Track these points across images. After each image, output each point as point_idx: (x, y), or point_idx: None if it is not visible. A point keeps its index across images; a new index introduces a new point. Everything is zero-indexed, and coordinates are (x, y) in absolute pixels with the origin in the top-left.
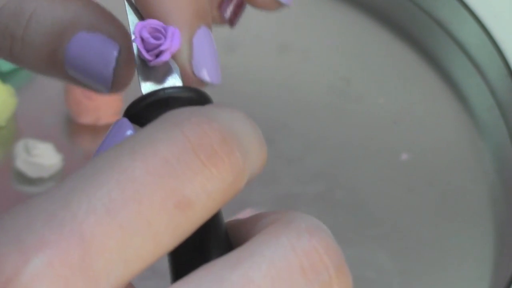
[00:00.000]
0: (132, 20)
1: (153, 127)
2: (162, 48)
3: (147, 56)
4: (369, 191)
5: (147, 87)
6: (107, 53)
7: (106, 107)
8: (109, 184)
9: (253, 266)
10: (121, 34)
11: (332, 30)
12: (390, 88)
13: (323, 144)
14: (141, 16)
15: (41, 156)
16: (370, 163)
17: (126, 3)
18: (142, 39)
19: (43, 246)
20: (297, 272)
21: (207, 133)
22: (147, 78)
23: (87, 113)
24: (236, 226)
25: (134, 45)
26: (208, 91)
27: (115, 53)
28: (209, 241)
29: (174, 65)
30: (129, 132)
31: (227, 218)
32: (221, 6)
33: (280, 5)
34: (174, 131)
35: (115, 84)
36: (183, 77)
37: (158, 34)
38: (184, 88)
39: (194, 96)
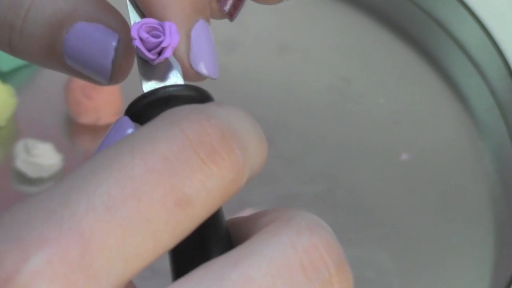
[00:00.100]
0: (133, 17)
1: (152, 125)
2: (163, 45)
3: (149, 55)
4: (369, 191)
5: (148, 86)
6: (106, 44)
7: (106, 107)
8: (108, 182)
9: (253, 264)
10: (120, 24)
11: (332, 30)
12: (390, 88)
13: (323, 144)
14: (142, 14)
15: (41, 156)
16: (370, 163)
17: (128, 1)
18: (141, 40)
19: (42, 244)
20: (297, 270)
21: (206, 130)
22: (148, 78)
23: (87, 113)
24: (237, 224)
25: (134, 47)
26: (207, 89)
27: (114, 44)
28: (210, 239)
29: (175, 63)
30: (129, 131)
31: (227, 218)
32: None
33: None
34: (173, 128)
35: (114, 74)
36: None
37: (156, 32)
38: (185, 86)
39: (195, 94)
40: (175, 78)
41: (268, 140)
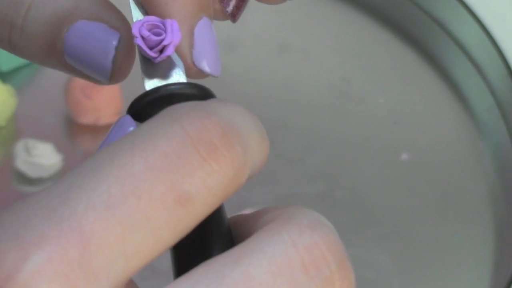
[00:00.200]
0: (136, 15)
1: (152, 122)
2: (164, 42)
3: (151, 53)
4: (369, 191)
5: (151, 84)
6: (106, 42)
7: (106, 107)
8: (108, 180)
9: (253, 262)
10: (121, 23)
11: (332, 30)
12: (390, 88)
13: (323, 144)
14: (145, 11)
15: (41, 156)
16: (370, 163)
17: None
18: (143, 38)
19: (42, 242)
20: (298, 268)
21: (207, 127)
22: (151, 76)
23: (87, 113)
24: (239, 222)
25: (136, 45)
26: None
27: (114, 42)
28: (211, 237)
29: (178, 61)
30: (131, 129)
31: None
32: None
33: None
34: (174, 125)
35: (114, 74)
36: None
37: (158, 29)
38: (187, 84)
39: (197, 92)
40: (177, 76)
41: (268, 140)
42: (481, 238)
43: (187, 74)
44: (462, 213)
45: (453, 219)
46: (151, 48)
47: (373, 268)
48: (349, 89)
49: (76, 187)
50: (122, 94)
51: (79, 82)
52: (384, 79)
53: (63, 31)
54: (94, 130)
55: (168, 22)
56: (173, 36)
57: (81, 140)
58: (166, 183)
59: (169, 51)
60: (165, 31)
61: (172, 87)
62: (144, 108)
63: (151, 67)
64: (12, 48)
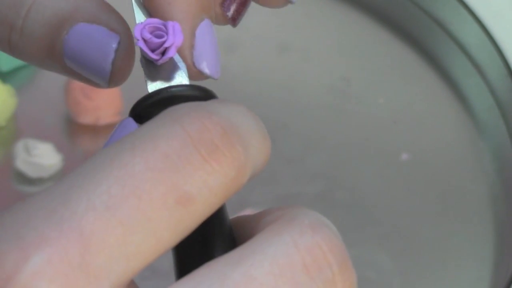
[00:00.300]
0: (138, 17)
1: (153, 123)
2: (166, 45)
3: (153, 56)
4: (369, 191)
5: (153, 87)
6: (106, 45)
7: (106, 107)
8: (109, 180)
9: (255, 263)
10: (120, 26)
11: (332, 30)
12: (390, 88)
13: (323, 144)
14: (147, 13)
15: (41, 156)
16: (370, 163)
17: (133, 1)
18: (145, 40)
19: (42, 243)
20: (299, 269)
21: (207, 127)
22: (153, 78)
23: (87, 113)
24: (241, 223)
25: (138, 48)
26: None
27: (114, 45)
28: (213, 237)
29: (180, 63)
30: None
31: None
32: (224, 3)
33: (287, 1)
34: (174, 126)
35: (113, 77)
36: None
37: (159, 32)
38: (189, 86)
39: (199, 94)
40: (180, 78)
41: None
42: (481, 238)
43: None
44: (462, 213)
45: (453, 219)
46: (153, 51)
47: (373, 268)
48: (349, 89)
49: (77, 188)
50: (122, 94)
51: (79, 82)
52: (384, 79)
53: (62, 33)
54: (94, 130)
55: (170, 24)
56: (175, 38)
57: (81, 140)
58: (166, 184)
59: (171, 53)
60: (167, 33)
61: (174, 89)
62: (146, 110)
63: (154, 69)
64: (12, 49)
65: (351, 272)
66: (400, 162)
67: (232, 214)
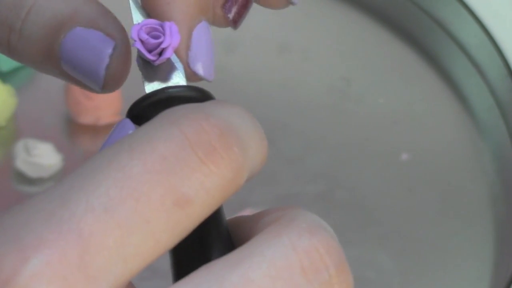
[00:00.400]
0: (136, 18)
1: (151, 125)
2: (163, 46)
3: (150, 56)
4: (369, 191)
5: (151, 87)
6: (101, 50)
7: (106, 107)
8: (107, 182)
9: (253, 266)
10: (117, 32)
11: (332, 30)
12: (390, 88)
13: (323, 144)
14: (145, 14)
15: (41, 156)
16: (370, 163)
17: (131, 2)
18: (142, 41)
19: (41, 245)
20: (297, 271)
21: (205, 129)
22: (151, 79)
23: (87, 113)
24: (238, 224)
25: (135, 48)
26: (208, 89)
27: (109, 50)
28: (210, 239)
29: (178, 64)
30: (130, 133)
31: (227, 218)
32: (226, 5)
33: (289, 2)
34: (172, 128)
35: (107, 82)
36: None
37: (156, 32)
38: (186, 87)
39: (196, 95)
40: (177, 79)
41: (268, 140)
42: (481, 238)
43: None
44: (462, 213)
45: (453, 219)
46: (150, 51)
47: (373, 268)
48: (349, 89)
49: (75, 190)
50: (122, 95)
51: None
52: (384, 79)
53: (60, 36)
54: (94, 130)
55: (167, 24)
56: (172, 39)
57: (81, 140)
58: (164, 186)
59: (168, 54)
60: (164, 34)
61: (171, 90)
62: (144, 111)
63: (151, 70)
64: (11, 51)
65: (348, 274)
66: (400, 162)
67: (232, 214)
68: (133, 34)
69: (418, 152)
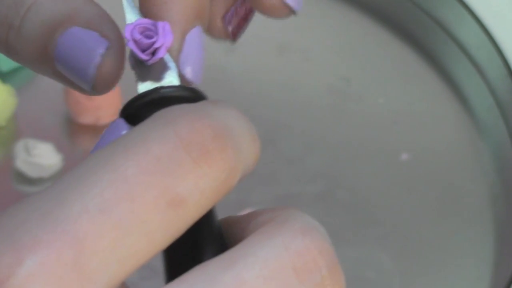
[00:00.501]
0: (129, 18)
1: (145, 126)
2: (156, 45)
3: (143, 56)
4: (369, 191)
5: (144, 87)
6: (93, 48)
7: (106, 107)
8: (102, 183)
9: (246, 266)
10: (113, 34)
11: (332, 30)
12: (390, 88)
13: (323, 144)
14: (138, 13)
15: (41, 156)
16: (370, 163)
17: (124, 1)
18: (135, 41)
19: (36, 246)
20: (289, 272)
21: (198, 130)
22: (144, 78)
23: (87, 113)
24: (231, 224)
25: (129, 48)
26: (208, 89)
27: (101, 50)
28: (203, 239)
29: (171, 63)
30: (124, 133)
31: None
32: (226, 16)
33: (290, 11)
34: (166, 129)
35: (97, 82)
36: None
37: (149, 32)
38: (179, 87)
39: (189, 95)
40: (170, 78)
41: (268, 140)
42: (481, 238)
43: None
44: (462, 213)
45: (453, 219)
46: (143, 51)
47: (373, 268)
48: (349, 89)
49: (70, 191)
50: (122, 94)
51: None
52: (384, 79)
53: (56, 35)
54: (94, 130)
55: (160, 24)
56: (165, 39)
57: (81, 140)
58: (158, 187)
59: (161, 54)
60: (157, 34)
61: (164, 90)
62: (137, 111)
63: (144, 70)
64: (8, 50)
65: (340, 276)
66: (400, 162)
67: (232, 214)
68: (126, 33)
69: (418, 152)
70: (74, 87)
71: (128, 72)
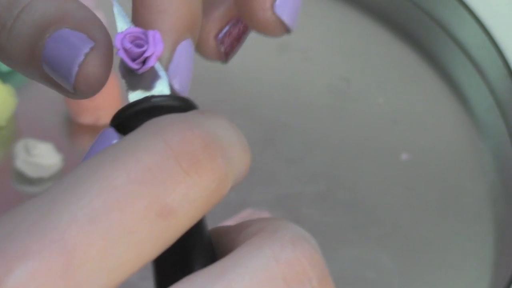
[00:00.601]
0: (120, 26)
1: (135, 135)
2: (146, 54)
3: (133, 65)
4: (369, 191)
5: (134, 96)
6: (78, 47)
7: (106, 107)
8: (91, 193)
9: (236, 277)
10: (101, 36)
11: (332, 30)
12: (390, 88)
13: (323, 144)
14: (129, 22)
15: (41, 156)
16: (370, 163)
17: (115, 10)
18: (125, 50)
19: (25, 256)
20: (279, 283)
21: (189, 140)
22: (134, 87)
23: (87, 113)
24: (221, 234)
25: (119, 57)
26: (208, 89)
27: (86, 49)
28: (192, 249)
29: (162, 73)
30: (114, 142)
31: (227, 218)
32: (218, 37)
33: (285, 30)
34: (156, 139)
35: (79, 82)
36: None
37: (140, 41)
38: (170, 96)
39: (179, 104)
40: (161, 87)
41: (268, 140)
42: (481, 238)
43: None
44: (462, 213)
45: (453, 219)
46: (133, 60)
47: (373, 268)
48: (349, 89)
49: (59, 200)
50: (122, 94)
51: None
52: (384, 79)
53: (45, 36)
54: (94, 130)
55: (151, 33)
56: (156, 47)
57: (81, 140)
58: (148, 197)
59: (151, 63)
60: (147, 42)
61: (155, 99)
62: (127, 120)
63: (135, 79)
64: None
65: (330, 286)
66: (400, 162)
67: (232, 214)
68: (116, 42)
69: (418, 152)
70: (61, 90)
71: None
